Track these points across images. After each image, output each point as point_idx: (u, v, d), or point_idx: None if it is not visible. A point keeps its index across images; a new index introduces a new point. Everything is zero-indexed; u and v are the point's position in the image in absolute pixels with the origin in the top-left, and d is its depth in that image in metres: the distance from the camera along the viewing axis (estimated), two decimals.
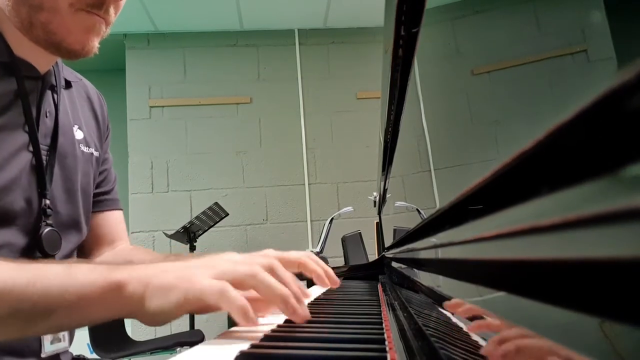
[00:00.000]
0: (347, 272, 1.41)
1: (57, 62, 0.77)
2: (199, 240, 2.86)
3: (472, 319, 0.27)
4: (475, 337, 0.26)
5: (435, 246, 0.45)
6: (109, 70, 3.53)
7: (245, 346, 0.40)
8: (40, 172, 0.70)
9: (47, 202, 0.70)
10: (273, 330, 0.48)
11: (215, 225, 2.94)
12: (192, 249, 2.80)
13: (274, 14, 3.39)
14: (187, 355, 0.40)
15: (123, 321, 2.34)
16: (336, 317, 0.53)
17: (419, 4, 0.53)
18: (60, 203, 0.74)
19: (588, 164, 0.15)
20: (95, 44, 0.67)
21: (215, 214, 2.85)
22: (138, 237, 3.29)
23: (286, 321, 0.53)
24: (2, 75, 0.67)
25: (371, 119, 2.67)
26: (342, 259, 2.27)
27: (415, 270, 0.63)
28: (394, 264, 1.02)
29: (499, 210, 0.23)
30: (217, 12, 3.31)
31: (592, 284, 0.14)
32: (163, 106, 3.45)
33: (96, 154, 0.84)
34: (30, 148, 0.69)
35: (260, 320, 0.55)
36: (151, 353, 2.22)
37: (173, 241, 2.87)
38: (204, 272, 0.50)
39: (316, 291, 0.95)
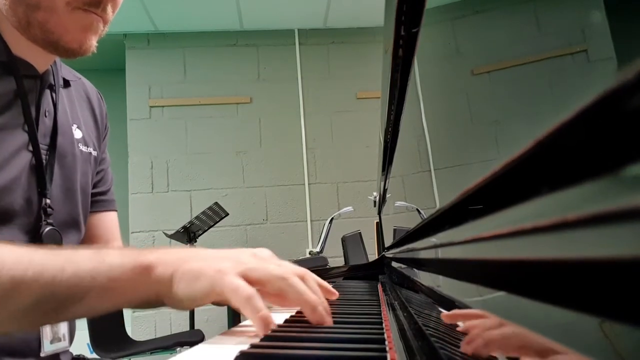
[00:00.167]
0: (347, 272, 1.41)
1: (55, 61, 0.77)
2: (199, 240, 2.86)
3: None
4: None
5: (435, 246, 0.45)
6: (109, 70, 3.53)
7: (245, 346, 0.40)
8: (40, 172, 0.70)
9: (48, 201, 0.70)
10: (273, 330, 0.48)
11: (215, 225, 2.94)
12: None
13: (274, 13, 3.39)
14: (187, 355, 0.40)
15: (123, 321, 2.34)
16: (336, 317, 0.53)
17: (419, 4, 0.52)
18: (60, 202, 0.74)
19: (588, 164, 0.15)
20: (93, 42, 0.67)
21: (215, 214, 2.85)
22: (138, 237, 3.29)
23: (286, 321, 0.53)
24: (1, 75, 0.67)
25: (371, 119, 2.67)
26: (342, 258, 2.26)
27: (415, 270, 0.63)
28: (394, 264, 1.02)
29: (498, 210, 0.23)
30: (217, 12, 3.31)
31: (592, 284, 0.14)
32: (163, 106, 3.45)
33: (94, 153, 0.83)
34: (30, 148, 0.69)
35: None
36: (151, 353, 2.22)
37: (173, 241, 2.87)
38: (234, 266, 0.50)
39: None
